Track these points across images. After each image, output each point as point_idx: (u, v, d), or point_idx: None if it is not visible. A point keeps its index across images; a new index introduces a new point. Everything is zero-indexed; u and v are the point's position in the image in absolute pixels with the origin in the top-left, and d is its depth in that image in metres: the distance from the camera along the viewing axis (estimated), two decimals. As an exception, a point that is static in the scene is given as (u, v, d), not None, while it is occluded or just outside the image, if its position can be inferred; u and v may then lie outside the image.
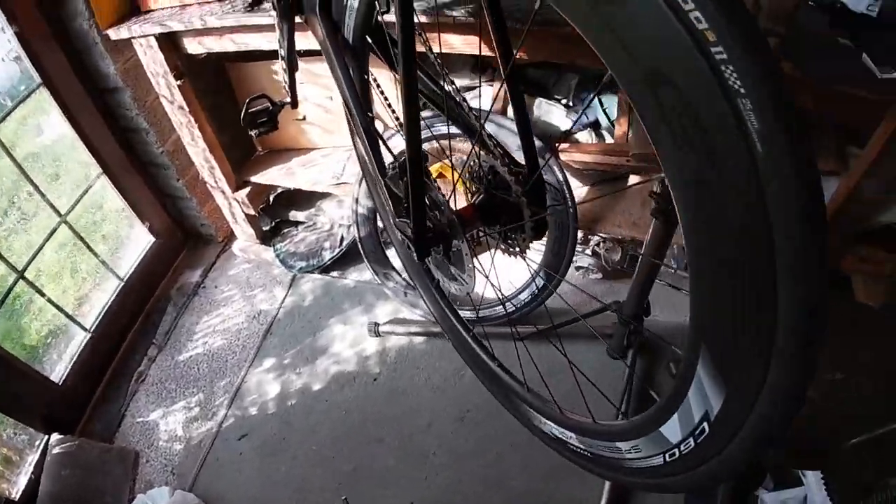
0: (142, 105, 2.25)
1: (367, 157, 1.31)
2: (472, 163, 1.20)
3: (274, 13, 1.26)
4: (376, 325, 2.25)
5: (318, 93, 2.21)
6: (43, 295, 2.22)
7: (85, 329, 2.37)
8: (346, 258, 2.52)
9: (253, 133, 1.47)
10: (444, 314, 1.83)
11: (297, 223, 2.67)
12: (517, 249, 1.20)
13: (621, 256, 2.21)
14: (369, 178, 1.64)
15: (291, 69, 1.38)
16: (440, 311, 1.85)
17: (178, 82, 2.08)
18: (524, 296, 2.07)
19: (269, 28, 1.77)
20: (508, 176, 1.11)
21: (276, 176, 2.40)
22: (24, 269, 2.11)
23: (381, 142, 1.27)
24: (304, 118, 2.32)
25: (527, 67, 2.03)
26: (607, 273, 2.25)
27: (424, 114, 1.97)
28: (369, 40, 1.30)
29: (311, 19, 1.22)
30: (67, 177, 2.50)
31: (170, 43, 2.00)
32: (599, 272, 2.25)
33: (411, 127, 1.01)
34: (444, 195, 1.18)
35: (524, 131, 1.12)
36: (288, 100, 1.44)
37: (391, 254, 2.32)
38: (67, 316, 2.32)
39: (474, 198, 1.23)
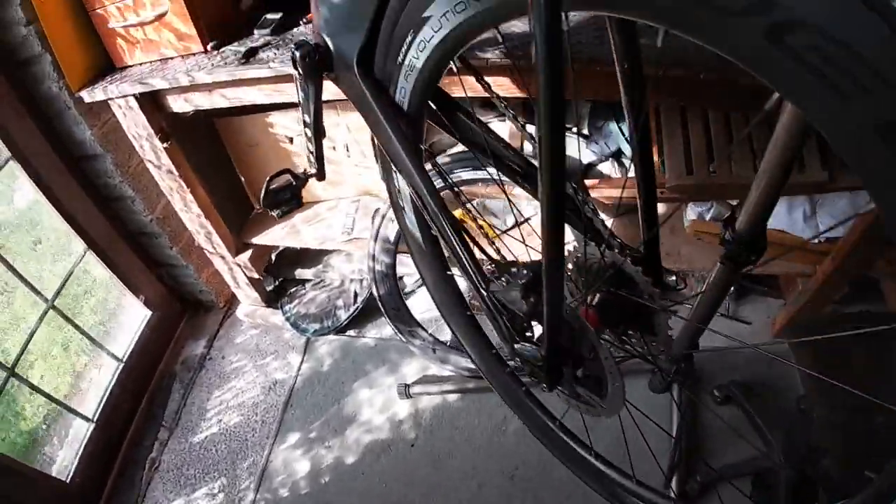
0: (125, 171, 1.98)
1: (436, 255, 1.11)
2: (580, 254, 0.98)
3: (296, 74, 1.02)
4: (407, 386, 2.00)
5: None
6: (38, 390, 1.95)
7: (87, 419, 2.09)
8: (362, 314, 2.26)
9: (275, 213, 1.23)
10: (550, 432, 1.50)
11: (303, 281, 2.41)
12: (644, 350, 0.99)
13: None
14: (430, 271, 1.35)
15: (318, 137, 1.13)
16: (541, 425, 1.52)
17: (165, 145, 1.82)
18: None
19: (267, 80, 1.53)
20: (634, 268, 0.90)
21: (279, 236, 2.15)
22: (15, 365, 1.84)
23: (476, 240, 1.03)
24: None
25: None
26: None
27: (442, 159, 1.75)
28: (432, 106, 1.06)
29: (346, 78, 0.98)
30: (48, 242, 2.23)
31: (152, 102, 1.73)
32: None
33: (553, 227, 0.77)
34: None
35: (648, 200, 0.90)
36: (313, 171, 1.20)
37: (412, 303, 2.09)
38: (67, 409, 2.05)
39: (587, 297, 1.00)
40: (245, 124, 1.97)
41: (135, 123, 1.77)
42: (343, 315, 2.21)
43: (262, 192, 1.18)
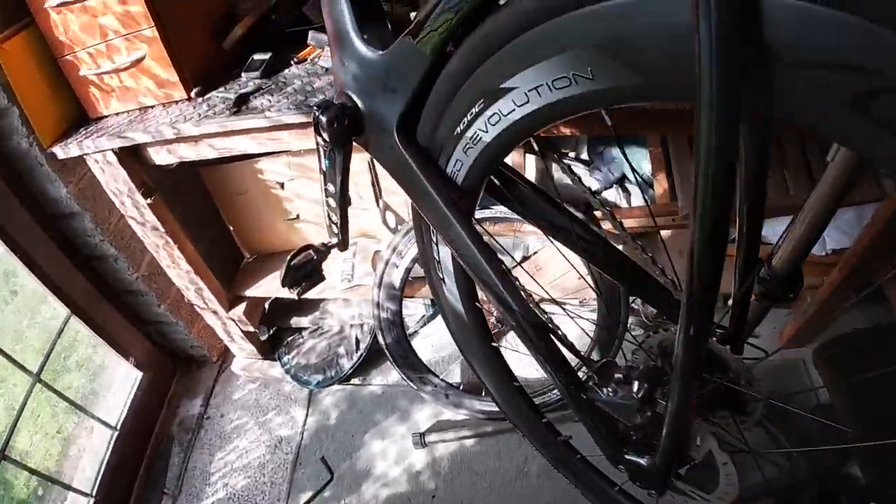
0: (105, 229, 1.80)
1: (481, 329, 1.00)
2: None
3: (319, 140, 0.88)
4: (422, 435, 1.84)
5: (313, 187, 1.83)
6: (33, 472, 1.79)
7: (86, 494, 1.89)
8: (365, 360, 2.09)
9: (295, 291, 1.08)
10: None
11: (300, 329, 2.24)
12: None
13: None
14: (473, 345, 1.17)
15: (344, 206, 0.99)
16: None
17: (148, 200, 1.65)
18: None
19: (260, 130, 1.38)
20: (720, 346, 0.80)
21: (275, 287, 1.99)
22: (5, 449, 1.66)
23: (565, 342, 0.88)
24: (297, 217, 1.93)
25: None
26: (648, 327, 1.94)
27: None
28: (495, 181, 0.92)
29: (380, 143, 0.83)
30: (24, 295, 2.02)
31: (132, 156, 1.56)
32: (640, 327, 1.94)
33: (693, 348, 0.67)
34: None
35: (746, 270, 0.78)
36: (335, 241, 1.06)
37: (417, 345, 1.96)
38: (64, 486, 1.87)
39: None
40: (232, 172, 1.82)
41: (114, 179, 1.61)
42: (346, 364, 2.05)
43: (283, 271, 1.04)
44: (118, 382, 2.19)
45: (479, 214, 1.51)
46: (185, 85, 1.46)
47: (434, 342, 2.12)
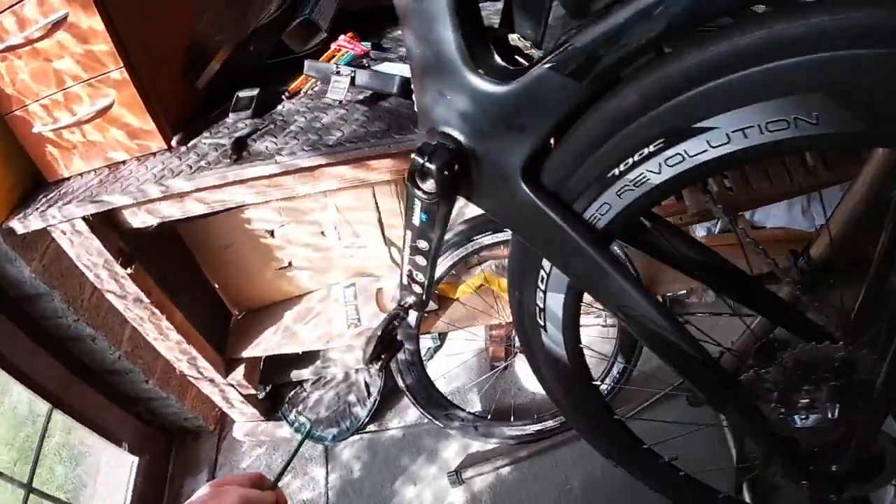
0: (79, 307, 1.58)
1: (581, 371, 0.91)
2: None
3: (418, 193, 0.71)
4: (457, 472, 1.70)
5: (304, 231, 1.67)
6: None
7: None
8: (378, 404, 1.94)
9: (376, 367, 0.93)
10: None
11: (300, 382, 2.06)
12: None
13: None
14: (569, 386, 1.06)
15: (435, 262, 0.84)
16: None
17: (129, 270, 1.46)
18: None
19: (267, 177, 1.22)
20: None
21: (274, 342, 1.80)
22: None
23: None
24: (289, 265, 1.76)
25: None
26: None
27: (458, 227, 1.52)
28: (647, 224, 0.81)
29: (493, 187, 0.71)
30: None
31: (106, 222, 1.36)
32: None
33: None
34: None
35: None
36: (412, 300, 0.91)
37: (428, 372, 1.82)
38: None
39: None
40: (216, 225, 1.64)
41: (86, 250, 1.39)
42: (361, 412, 1.88)
43: (369, 349, 0.89)
44: (109, 471, 1.96)
45: (487, 241, 1.45)
46: (164, 133, 1.28)
47: (441, 373, 1.99)
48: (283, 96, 1.31)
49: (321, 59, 1.33)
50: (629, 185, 0.65)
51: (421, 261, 0.84)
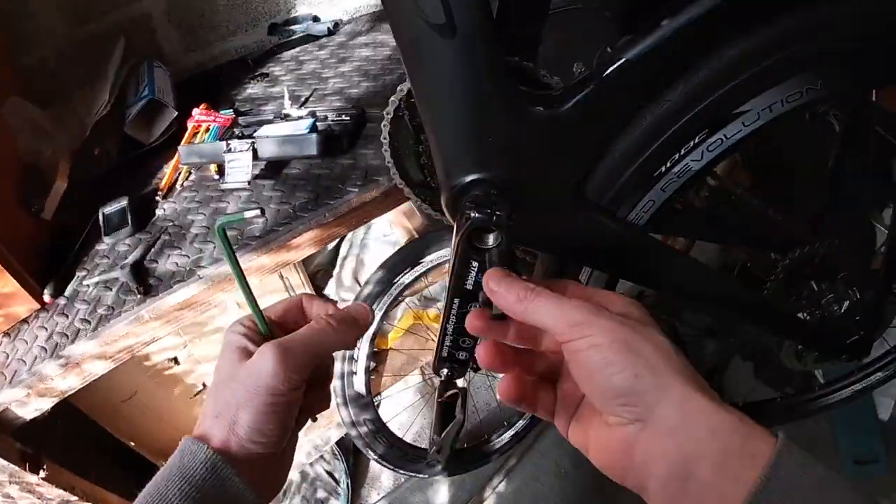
0: None
1: None
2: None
3: (483, 250, 0.56)
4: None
5: (210, 344, 1.38)
6: None
7: None
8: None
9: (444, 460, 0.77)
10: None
11: None
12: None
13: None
14: None
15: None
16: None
17: (42, 474, 1.19)
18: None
19: (183, 307, 1.01)
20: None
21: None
22: None
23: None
24: (203, 387, 1.51)
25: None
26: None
27: (376, 275, 1.41)
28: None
29: (536, 216, 0.64)
30: None
31: None
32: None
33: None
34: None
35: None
36: (445, 370, 0.76)
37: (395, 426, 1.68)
38: None
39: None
40: (109, 381, 1.36)
41: None
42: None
43: (443, 446, 0.73)
44: None
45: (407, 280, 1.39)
46: (30, 290, 0.98)
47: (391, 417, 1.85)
48: (157, 198, 1.09)
49: (183, 142, 1.13)
50: (673, 178, 0.65)
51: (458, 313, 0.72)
